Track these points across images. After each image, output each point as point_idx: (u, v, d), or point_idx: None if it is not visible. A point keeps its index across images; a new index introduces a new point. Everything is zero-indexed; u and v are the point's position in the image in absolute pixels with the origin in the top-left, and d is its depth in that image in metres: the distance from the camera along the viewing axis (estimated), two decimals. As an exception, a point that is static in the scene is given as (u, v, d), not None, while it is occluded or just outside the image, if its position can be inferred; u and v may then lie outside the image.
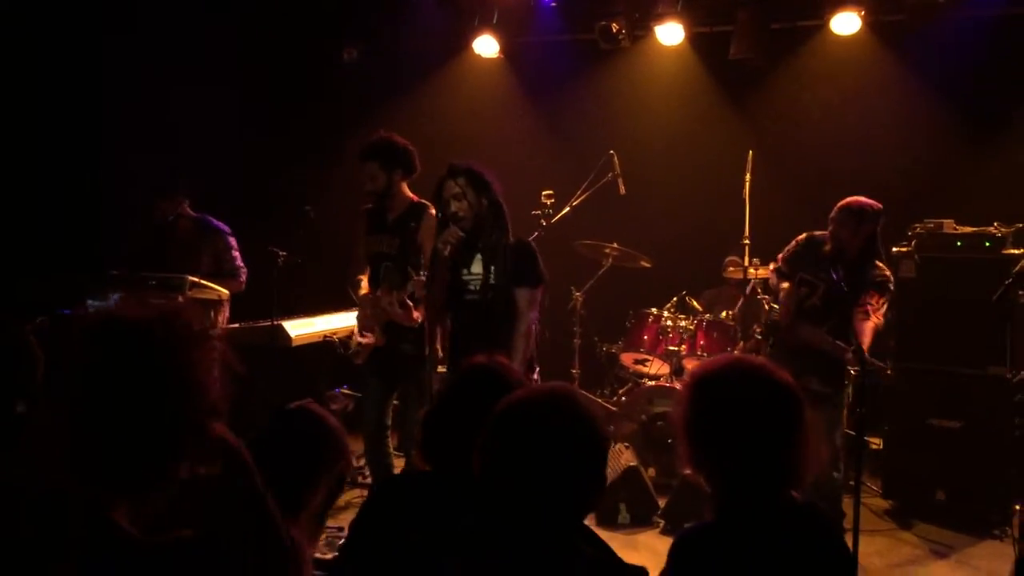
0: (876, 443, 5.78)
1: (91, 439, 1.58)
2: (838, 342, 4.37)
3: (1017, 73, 6.35)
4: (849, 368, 4.59)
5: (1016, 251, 5.11)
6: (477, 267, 3.99)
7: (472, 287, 3.99)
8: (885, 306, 4.53)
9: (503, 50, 7.25)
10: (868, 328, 4.37)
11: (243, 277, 5.57)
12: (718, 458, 2.01)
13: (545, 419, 1.80)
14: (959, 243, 5.32)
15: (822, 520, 2.05)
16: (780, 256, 5.02)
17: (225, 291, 5.37)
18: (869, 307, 4.49)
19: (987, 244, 5.22)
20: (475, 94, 7.72)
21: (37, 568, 1.43)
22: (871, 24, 6.50)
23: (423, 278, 4.20)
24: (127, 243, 5.91)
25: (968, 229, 5.38)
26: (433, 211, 4.52)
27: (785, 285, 4.88)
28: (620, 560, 1.90)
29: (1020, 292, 4.14)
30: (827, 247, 4.67)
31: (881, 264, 4.63)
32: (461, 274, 4.02)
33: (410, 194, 4.61)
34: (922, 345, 5.33)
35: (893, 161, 6.52)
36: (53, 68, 6.30)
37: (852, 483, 4.10)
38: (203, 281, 5.22)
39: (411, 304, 4.32)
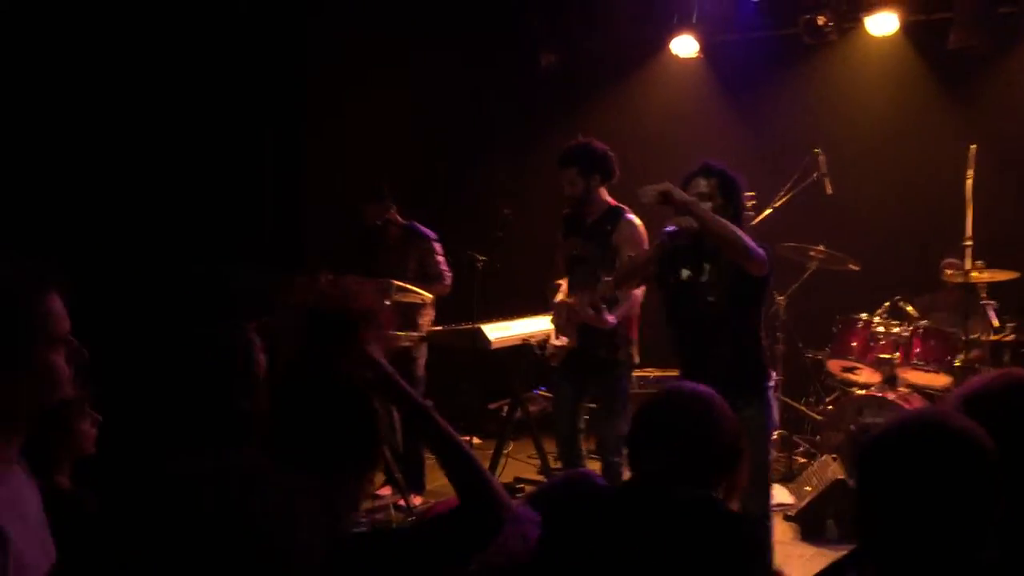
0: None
1: (293, 427, 1.72)
2: None
3: None
4: None
5: None
6: (708, 274, 3.81)
7: (699, 292, 3.82)
8: None
9: (702, 49, 7.11)
10: None
11: (448, 281, 5.76)
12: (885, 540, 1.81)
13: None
14: None
15: None
16: None
17: (429, 295, 5.57)
18: None
19: None
20: (673, 95, 7.62)
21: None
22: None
23: (612, 280, 4.19)
24: (336, 245, 6.23)
25: None
26: (631, 216, 4.51)
27: None
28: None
29: None
30: None
31: None
32: (681, 277, 3.86)
33: (608, 198, 4.62)
34: None
35: None
36: (258, 60, 6.40)
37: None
38: (407, 285, 5.44)
39: (603, 306, 4.31)
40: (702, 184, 3.78)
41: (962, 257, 5.33)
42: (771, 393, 3.81)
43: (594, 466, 5.07)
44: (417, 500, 5.36)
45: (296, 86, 6.64)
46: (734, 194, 3.82)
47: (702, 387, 2.21)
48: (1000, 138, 6.25)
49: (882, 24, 6.46)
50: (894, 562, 1.62)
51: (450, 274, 5.78)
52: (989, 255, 5.53)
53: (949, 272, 6.07)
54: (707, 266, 3.80)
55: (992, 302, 5.73)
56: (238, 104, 6.18)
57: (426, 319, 5.62)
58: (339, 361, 1.79)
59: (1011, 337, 5.57)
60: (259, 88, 6.35)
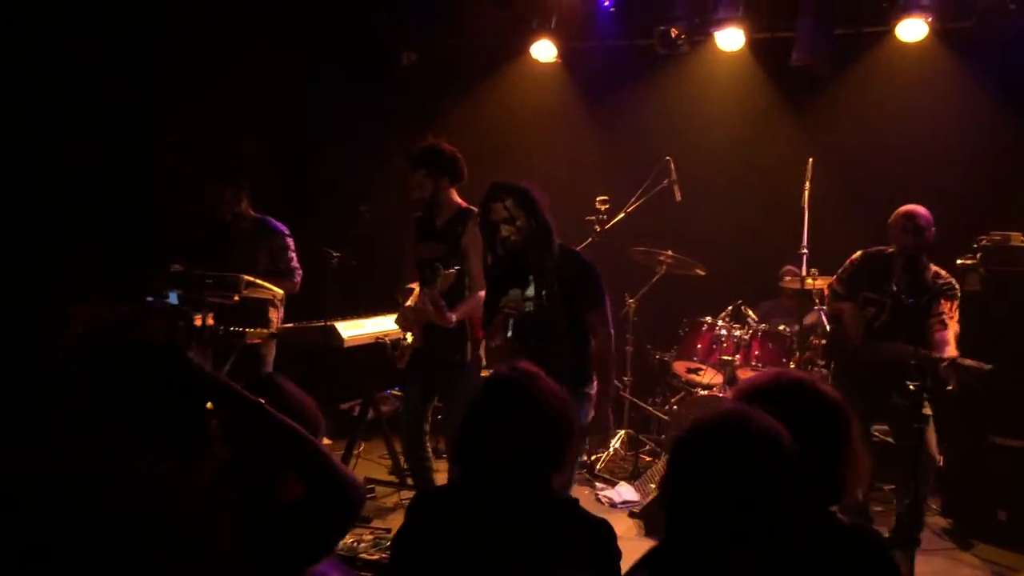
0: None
1: None
2: (931, 353, 4.28)
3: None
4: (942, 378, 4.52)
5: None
6: (530, 290, 3.95)
7: (527, 309, 3.94)
8: (957, 312, 4.46)
9: (561, 55, 7.22)
10: (949, 337, 4.35)
11: (298, 278, 5.66)
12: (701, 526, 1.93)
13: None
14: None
15: (869, 539, 2.00)
16: (835, 277, 4.95)
17: (280, 291, 5.45)
18: (944, 316, 4.42)
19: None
20: (532, 99, 7.72)
21: None
22: (938, 31, 6.34)
23: (453, 271, 4.23)
24: (186, 237, 6.00)
25: (1037, 242, 5.22)
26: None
27: (846, 306, 4.81)
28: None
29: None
30: (886, 260, 4.63)
31: (943, 271, 4.57)
32: (508, 292, 3.98)
33: (458, 200, 4.62)
34: (986, 361, 5.18)
35: (958, 171, 6.35)
36: (108, 57, 6.15)
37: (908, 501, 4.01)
38: (258, 280, 5.29)
39: (443, 304, 4.32)
40: (500, 209, 3.84)
41: (800, 264, 5.61)
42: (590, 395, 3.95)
43: (441, 466, 5.08)
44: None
45: (145, 77, 6.37)
46: (534, 208, 3.86)
47: (523, 370, 2.24)
48: (835, 152, 6.61)
49: (730, 39, 6.71)
50: (697, 553, 1.74)
51: (300, 271, 5.68)
52: (822, 263, 5.85)
53: (788, 279, 6.40)
54: (532, 279, 3.92)
55: (824, 307, 6.06)
56: (83, 94, 5.87)
57: (276, 316, 5.48)
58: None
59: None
60: (106, 79, 6.06)
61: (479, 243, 4.37)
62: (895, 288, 4.61)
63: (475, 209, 4.54)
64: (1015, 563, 4.79)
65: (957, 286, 4.64)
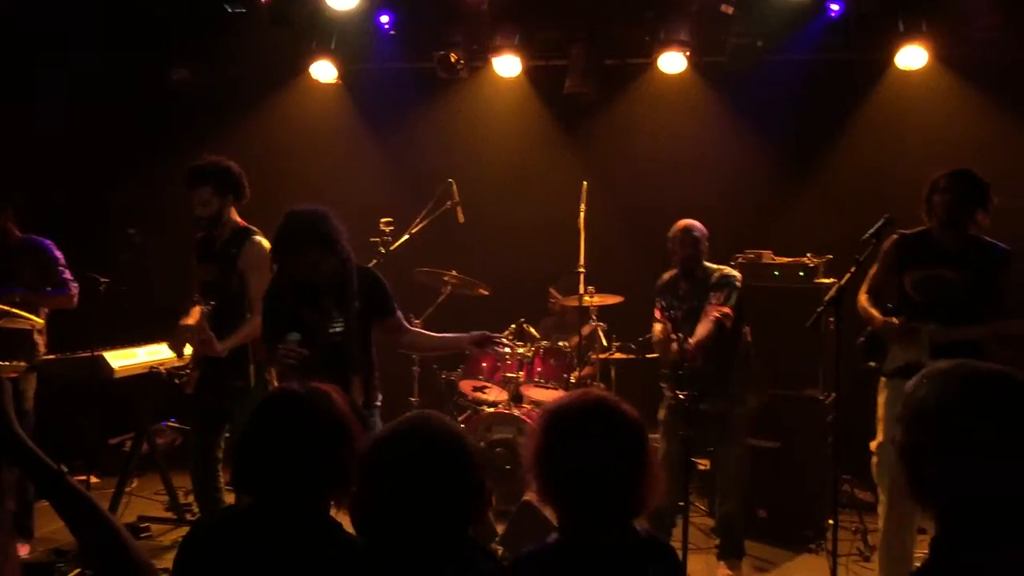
0: (704, 464, 6.03)
1: None
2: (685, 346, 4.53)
3: (827, 113, 6.86)
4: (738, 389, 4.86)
5: (827, 280, 5.48)
6: (329, 313, 3.87)
7: (323, 331, 3.87)
8: (731, 298, 4.74)
9: (341, 76, 7.18)
10: (701, 326, 4.66)
11: (73, 291, 5.19)
12: (565, 489, 2.06)
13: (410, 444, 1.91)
14: (776, 273, 5.66)
15: (663, 550, 2.15)
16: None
17: (39, 320, 5.05)
18: (710, 307, 4.72)
19: (801, 273, 5.59)
20: (312, 119, 7.62)
21: None
22: (696, 64, 6.84)
23: (209, 308, 4.16)
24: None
25: (784, 260, 5.73)
26: (258, 238, 4.42)
27: (656, 327, 5.05)
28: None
29: (830, 319, 4.44)
30: (674, 275, 4.92)
31: (719, 267, 4.90)
32: (304, 318, 3.88)
33: (237, 219, 4.49)
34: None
35: (717, 195, 6.84)
36: None
37: (681, 503, 4.27)
38: (13, 310, 4.88)
39: (210, 335, 4.21)
40: (312, 256, 3.75)
41: (565, 286, 5.84)
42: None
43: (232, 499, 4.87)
44: (24, 549, 4.80)
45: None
46: (338, 248, 3.80)
47: (314, 388, 2.18)
48: (607, 175, 6.97)
49: (507, 66, 6.93)
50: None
51: (76, 284, 5.24)
52: (599, 281, 6.13)
53: (551, 300, 6.71)
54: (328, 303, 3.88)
55: (602, 324, 6.36)
56: None
57: (36, 346, 5.07)
58: None
59: (617, 355, 6.23)
60: None
61: (260, 265, 4.27)
62: (681, 295, 4.92)
63: (253, 228, 4.44)
64: (774, 557, 5.21)
65: (731, 274, 4.88)
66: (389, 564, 1.84)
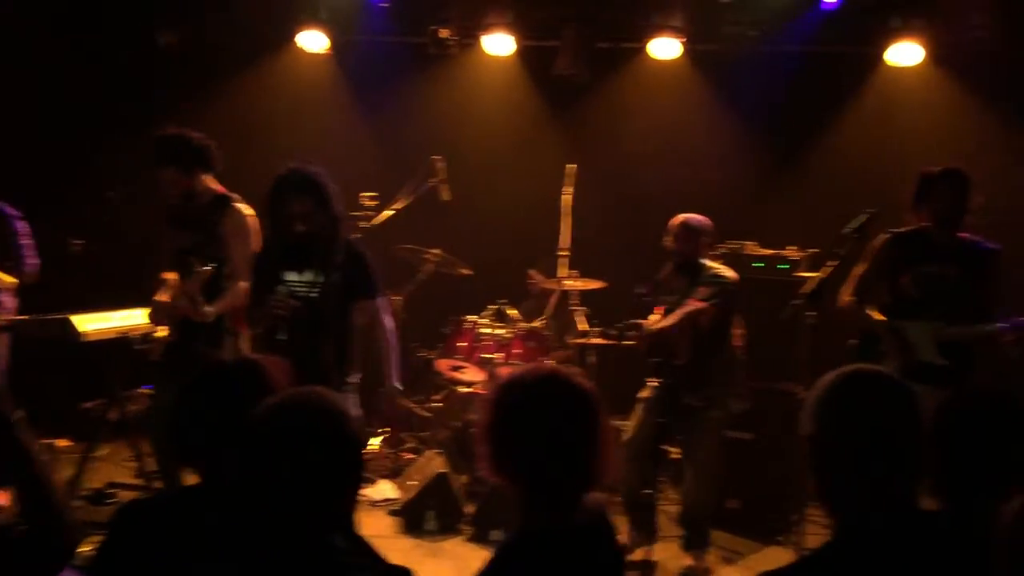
0: (676, 452, 6.02)
1: None
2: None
3: (818, 106, 6.84)
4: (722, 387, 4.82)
5: (808, 274, 5.46)
6: (308, 275, 3.93)
7: (303, 294, 3.90)
8: (714, 296, 4.68)
9: (333, 47, 7.08)
10: (669, 316, 4.65)
11: (29, 267, 5.13)
12: (516, 462, 2.04)
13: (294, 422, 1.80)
14: (758, 264, 5.64)
15: (604, 521, 2.16)
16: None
17: (10, 279, 4.98)
18: (688, 300, 4.67)
19: (781, 266, 5.57)
20: (299, 89, 7.51)
21: None
22: (689, 51, 6.79)
23: (208, 269, 4.10)
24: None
25: (768, 251, 5.71)
26: (239, 205, 4.37)
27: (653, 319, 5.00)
28: (384, 564, 1.93)
29: (807, 313, 4.43)
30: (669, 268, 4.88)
31: (716, 265, 4.86)
32: (285, 279, 3.92)
33: (215, 186, 4.43)
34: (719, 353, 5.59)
35: (705, 183, 6.81)
36: None
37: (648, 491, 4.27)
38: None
39: (201, 299, 4.16)
40: (299, 205, 3.81)
41: (546, 269, 5.80)
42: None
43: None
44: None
45: None
46: (329, 203, 3.88)
47: (251, 358, 2.14)
48: (595, 159, 6.92)
49: (498, 45, 6.86)
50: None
51: (35, 261, 5.17)
52: (583, 266, 6.10)
53: (531, 283, 6.69)
54: (314, 266, 3.90)
55: (584, 308, 6.33)
56: None
57: (7, 306, 5.00)
58: None
59: (596, 340, 6.20)
60: None
61: (242, 231, 4.24)
62: (673, 290, 4.86)
63: (233, 196, 4.39)
64: (743, 548, 5.22)
65: (724, 274, 4.79)
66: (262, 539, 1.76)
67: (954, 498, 2.01)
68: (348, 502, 1.83)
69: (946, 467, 1.90)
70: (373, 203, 5.77)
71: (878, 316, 4.35)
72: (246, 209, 4.38)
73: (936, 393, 2.04)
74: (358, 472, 1.85)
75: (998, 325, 4.11)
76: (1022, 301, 4.25)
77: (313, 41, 7.00)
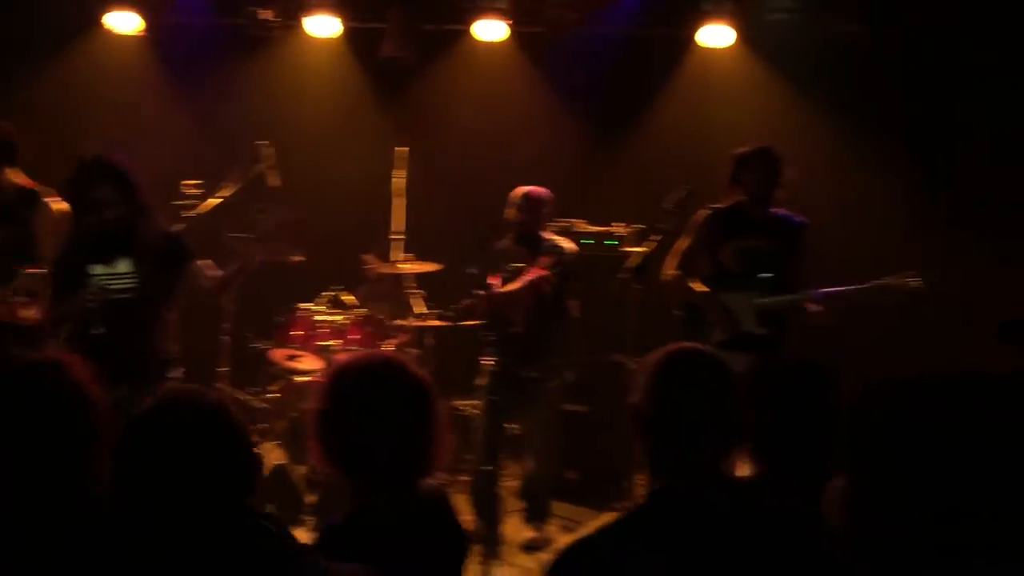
0: (515, 428, 6.14)
1: None
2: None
3: (635, 87, 7.07)
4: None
5: (635, 249, 5.67)
6: (124, 267, 3.85)
7: (117, 287, 3.83)
8: (554, 265, 4.80)
9: (145, 28, 6.74)
10: (510, 284, 4.76)
11: None
12: (348, 450, 2.04)
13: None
14: (587, 240, 5.81)
15: (444, 504, 2.19)
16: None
17: None
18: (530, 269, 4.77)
19: (609, 242, 5.77)
20: (111, 73, 7.12)
21: None
22: (515, 33, 6.87)
23: (36, 270, 3.88)
24: None
25: (596, 228, 5.89)
26: (49, 200, 4.17)
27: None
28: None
29: (635, 286, 4.61)
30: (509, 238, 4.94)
31: (555, 237, 4.97)
32: (92, 273, 3.82)
33: (19, 180, 4.18)
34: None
35: (534, 163, 6.91)
36: None
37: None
38: None
39: (25, 299, 3.93)
40: (101, 192, 3.76)
41: (381, 253, 5.78)
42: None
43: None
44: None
45: None
46: (135, 193, 3.84)
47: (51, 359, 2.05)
48: (427, 142, 6.91)
49: (323, 26, 6.73)
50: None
51: None
52: (418, 249, 6.09)
53: (366, 267, 6.65)
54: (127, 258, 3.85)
55: (421, 291, 6.32)
56: None
57: None
58: None
59: (433, 322, 6.22)
60: None
61: (52, 227, 4.03)
62: (512, 259, 4.95)
63: (43, 190, 4.16)
64: (580, 516, 5.40)
65: (562, 245, 4.97)
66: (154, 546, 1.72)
67: (767, 462, 2.18)
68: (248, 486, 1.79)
69: (758, 431, 2.04)
70: (197, 191, 5.54)
71: (700, 288, 4.57)
72: (57, 204, 4.15)
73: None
74: (252, 457, 1.82)
75: (808, 292, 4.40)
76: (823, 272, 4.58)
77: (123, 22, 6.64)
